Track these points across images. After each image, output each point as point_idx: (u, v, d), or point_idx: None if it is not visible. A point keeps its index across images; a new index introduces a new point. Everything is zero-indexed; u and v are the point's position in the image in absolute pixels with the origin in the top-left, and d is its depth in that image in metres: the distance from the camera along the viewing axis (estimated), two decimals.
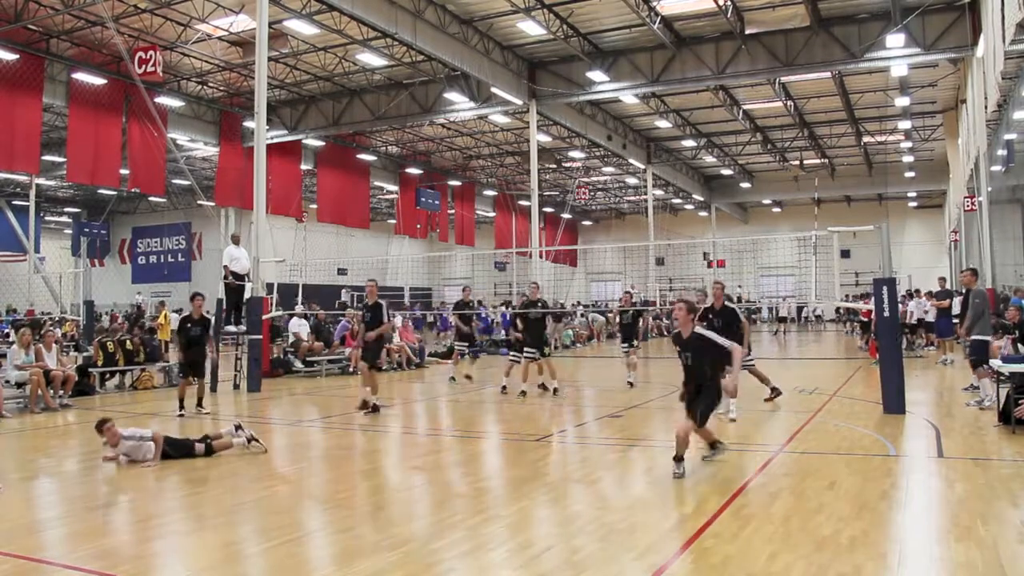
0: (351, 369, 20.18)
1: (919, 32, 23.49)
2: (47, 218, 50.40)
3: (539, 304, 15.09)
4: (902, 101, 31.92)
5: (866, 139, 40.03)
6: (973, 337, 12.15)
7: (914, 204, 54.06)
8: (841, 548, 5.56)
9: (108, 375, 17.12)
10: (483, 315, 29.35)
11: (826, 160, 45.00)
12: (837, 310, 39.75)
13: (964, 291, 14.81)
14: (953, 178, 36.27)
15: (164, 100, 29.67)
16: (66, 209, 52.05)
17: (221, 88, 31.68)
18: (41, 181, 37.20)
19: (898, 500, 7.04)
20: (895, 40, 23.24)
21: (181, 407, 12.96)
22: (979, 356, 11.89)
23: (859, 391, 14.98)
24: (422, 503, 7.46)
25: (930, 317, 23.26)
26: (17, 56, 24.37)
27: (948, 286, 26.05)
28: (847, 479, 7.67)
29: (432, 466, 9.23)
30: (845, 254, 36.78)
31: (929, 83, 30.03)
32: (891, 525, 6.33)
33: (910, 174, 46.41)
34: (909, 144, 40.43)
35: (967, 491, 7.24)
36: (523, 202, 46.21)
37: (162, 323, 22.87)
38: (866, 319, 28.42)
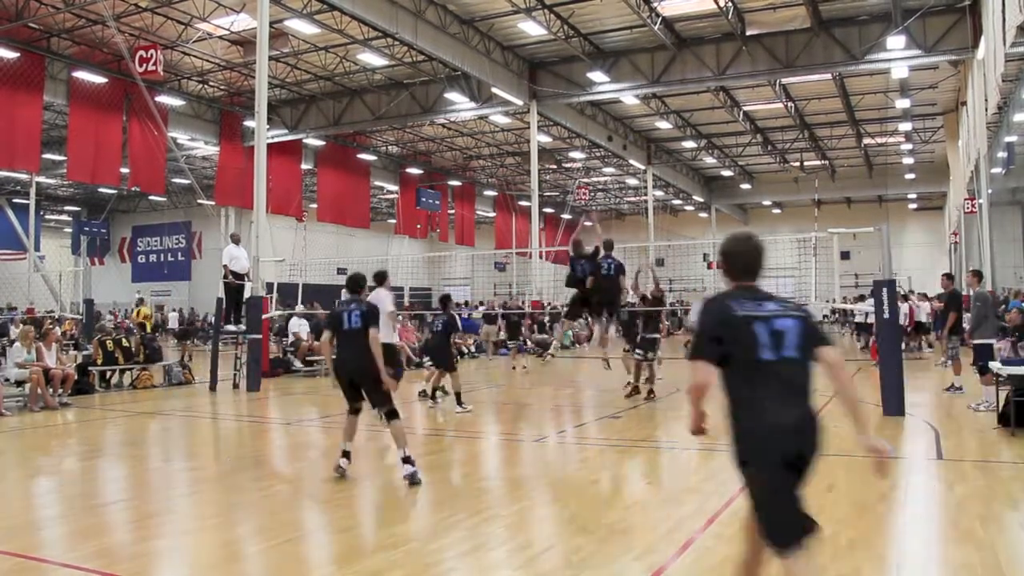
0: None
1: (920, 34, 23.49)
2: (47, 216, 50.30)
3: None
4: (902, 103, 31.93)
5: (866, 141, 40.02)
6: (976, 341, 12.11)
7: (914, 206, 54.03)
8: (840, 549, 5.56)
9: (108, 374, 17.11)
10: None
11: (826, 161, 44.99)
12: (833, 311, 39.73)
13: (948, 292, 14.89)
14: (953, 180, 36.26)
15: (164, 99, 29.65)
16: (66, 208, 51.98)
17: (222, 87, 31.67)
18: (41, 179, 37.15)
19: (897, 502, 7.06)
20: (896, 42, 23.22)
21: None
22: (984, 361, 11.88)
23: (859, 392, 14.95)
24: (422, 503, 7.47)
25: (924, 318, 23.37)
26: (18, 54, 24.35)
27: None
28: (846, 481, 7.67)
29: (432, 466, 9.23)
30: (845, 256, 36.73)
31: (929, 85, 30.02)
32: (890, 527, 6.34)
33: (910, 176, 46.40)
34: (909, 146, 40.42)
35: (966, 493, 7.25)
36: (523, 202, 46.16)
37: (136, 320, 22.20)
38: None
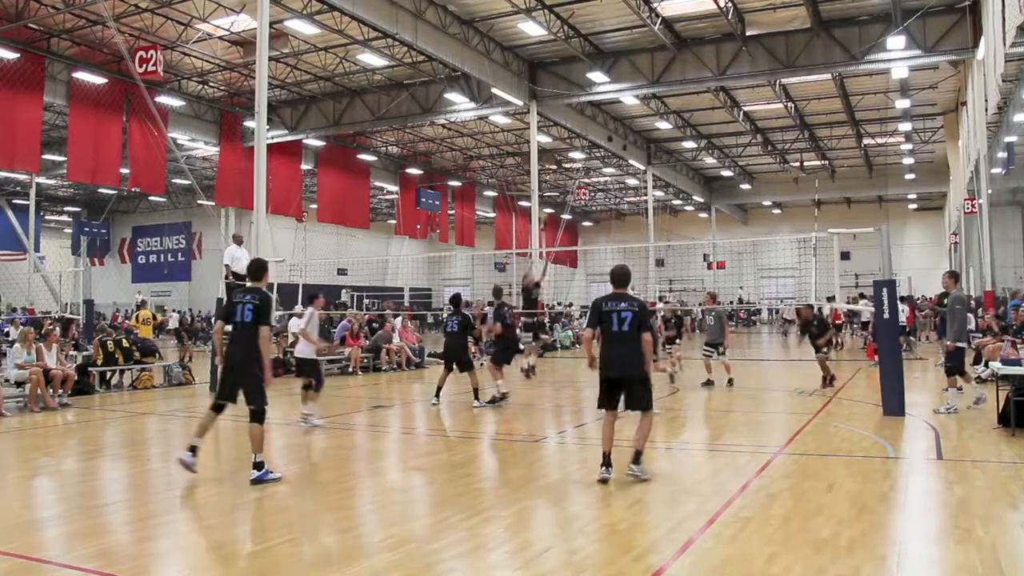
0: (351, 369, 20.36)
1: (920, 34, 23.50)
2: (47, 217, 50.39)
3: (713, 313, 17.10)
4: (902, 103, 31.94)
5: (866, 141, 40.03)
6: (959, 344, 11.97)
7: (914, 206, 54.07)
8: (840, 550, 5.56)
9: (108, 374, 17.08)
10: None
11: (826, 162, 45.02)
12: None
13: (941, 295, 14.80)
14: (953, 180, 36.28)
15: (164, 99, 29.67)
16: (66, 208, 52.06)
17: (222, 88, 31.68)
18: (41, 180, 37.21)
19: (897, 502, 7.05)
20: (896, 42, 23.22)
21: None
22: (957, 364, 11.85)
23: (859, 393, 14.98)
24: (422, 503, 7.48)
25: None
26: (18, 55, 24.36)
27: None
28: (846, 481, 7.68)
29: (432, 466, 9.24)
30: (845, 256, 36.72)
31: (929, 85, 30.03)
32: (890, 527, 6.34)
33: (910, 176, 46.43)
34: (909, 146, 40.43)
35: (966, 493, 7.25)
36: (523, 203, 46.21)
37: (135, 324, 21.96)
38: (837, 322, 28.49)
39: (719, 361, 16.34)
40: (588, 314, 8.13)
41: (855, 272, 44.34)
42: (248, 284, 8.35)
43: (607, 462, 7.69)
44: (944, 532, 6.26)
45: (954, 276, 12.87)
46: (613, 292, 7.97)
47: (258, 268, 8.37)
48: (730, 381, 16.06)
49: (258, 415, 7.91)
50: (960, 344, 11.90)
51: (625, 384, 7.79)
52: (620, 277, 8.04)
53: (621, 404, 7.91)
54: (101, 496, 7.96)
